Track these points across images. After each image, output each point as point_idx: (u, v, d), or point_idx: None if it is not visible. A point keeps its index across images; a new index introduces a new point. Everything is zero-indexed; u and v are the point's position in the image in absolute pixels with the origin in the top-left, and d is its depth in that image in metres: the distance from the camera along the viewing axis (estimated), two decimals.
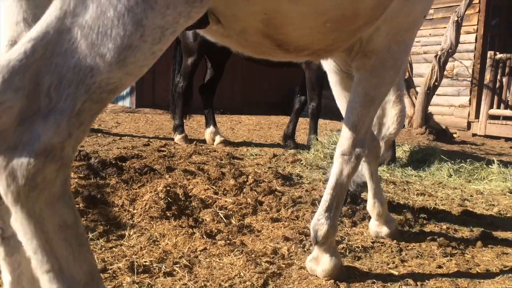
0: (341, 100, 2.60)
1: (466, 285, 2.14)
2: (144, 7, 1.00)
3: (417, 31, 2.22)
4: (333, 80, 2.59)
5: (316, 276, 2.13)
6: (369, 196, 2.76)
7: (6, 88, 0.91)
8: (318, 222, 2.13)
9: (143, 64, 1.06)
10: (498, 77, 10.09)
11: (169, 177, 3.57)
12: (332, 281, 2.06)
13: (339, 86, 2.56)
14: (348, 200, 3.16)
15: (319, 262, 2.12)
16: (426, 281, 2.15)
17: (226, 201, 3.16)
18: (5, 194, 0.96)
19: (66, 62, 0.97)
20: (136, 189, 3.25)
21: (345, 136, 2.12)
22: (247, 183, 3.56)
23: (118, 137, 6.26)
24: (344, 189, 2.16)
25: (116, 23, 0.98)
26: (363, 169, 2.75)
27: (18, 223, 1.00)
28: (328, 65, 2.55)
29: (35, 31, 0.96)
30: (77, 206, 2.83)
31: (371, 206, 2.75)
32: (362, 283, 2.10)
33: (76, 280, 1.05)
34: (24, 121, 0.94)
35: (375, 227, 2.77)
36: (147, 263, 2.17)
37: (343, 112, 2.38)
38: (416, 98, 9.29)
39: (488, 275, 2.29)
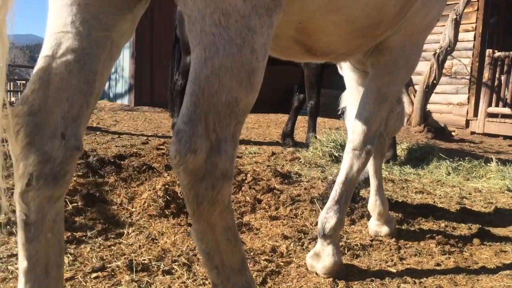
0: (354, 97, 2.61)
1: (465, 283, 2.15)
2: (252, 35, 1.19)
3: (429, 33, 2.29)
4: (349, 78, 2.63)
5: (316, 273, 2.13)
6: (371, 193, 2.76)
7: (197, 139, 1.18)
8: (327, 215, 2.15)
9: (260, 80, 1.27)
10: (497, 75, 10.10)
11: (168, 175, 3.56)
12: (330, 279, 2.07)
13: (355, 83, 2.59)
14: None
15: (320, 259, 2.12)
16: (425, 279, 2.16)
17: None
18: (193, 213, 1.25)
19: (219, 100, 1.19)
20: (134, 187, 3.25)
21: (356, 132, 2.15)
22: (246, 181, 3.56)
23: (117, 135, 6.25)
24: (353, 184, 2.18)
25: (233, 53, 1.18)
26: (368, 165, 2.72)
27: (198, 232, 1.28)
28: (344, 63, 2.60)
29: (190, 86, 1.22)
30: (75, 204, 2.83)
31: (373, 205, 2.74)
32: (360, 281, 2.11)
33: (233, 269, 1.32)
34: (207, 159, 1.20)
35: (375, 227, 2.76)
36: (145, 261, 2.16)
37: (354, 109, 2.39)
38: (414, 96, 9.29)
39: (486, 273, 2.29)
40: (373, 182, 2.76)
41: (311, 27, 1.68)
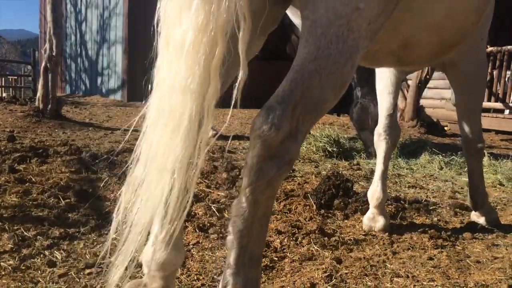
0: (387, 90, 2.91)
1: (457, 277, 2.16)
2: (356, 54, 1.36)
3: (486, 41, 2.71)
4: (385, 76, 2.89)
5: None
6: (374, 179, 2.83)
7: (284, 120, 1.29)
8: (377, 189, 2.79)
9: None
10: (489, 70, 10.15)
11: None
12: (325, 274, 2.07)
13: (389, 80, 2.89)
14: (340, 193, 3.17)
15: (376, 221, 2.75)
16: (418, 272, 2.17)
17: (218, 194, 3.16)
18: (247, 185, 1.30)
19: (310, 95, 1.32)
20: None
21: (465, 140, 2.88)
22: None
23: (110, 131, 6.22)
24: (480, 173, 2.98)
25: (340, 62, 1.34)
26: (379, 149, 2.87)
27: (241, 207, 1.32)
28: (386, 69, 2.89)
29: (293, 73, 1.33)
30: (68, 200, 2.82)
31: (373, 190, 2.80)
32: (354, 275, 2.12)
33: (252, 258, 1.34)
34: (283, 142, 1.30)
35: (369, 221, 2.77)
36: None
37: (381, 106, 2.88)
38: (407, 91, 9.32)
39: (479, 266, 2.31)
40: (378, 168, 2.83)
41: (411, 42, 1.97)
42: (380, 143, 2.82)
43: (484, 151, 3.54)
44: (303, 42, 1.37)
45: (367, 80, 5.44)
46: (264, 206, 1.33)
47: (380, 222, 2.74)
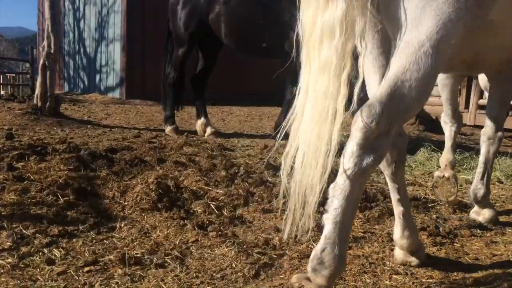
0: (448, 94, 3.48)
1: (456, 274, 2.17)
2: (438, 66, 1.63)
3: None
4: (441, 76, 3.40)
5: (480, 222, 2.85)
6: (477, 174, 2.93)
7: (382, 116, 1.58)
8: (477, 187, 2.90)
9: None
10: None
11: (160, 168, 3.56)
12: None
13: (453, 87, 3.46)
14: None
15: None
16: (416, 269, 2.17)
17: (217, 192, 3.16)
18: (346, 170, 1.64)
19: (400, 100, 1.60)
20: (126, 181, 3.24)
21: (488, 126, 2.85)
22: (239, 174, 3.56)
23: (108, 129, 6.22)
24: (491, 163, 2.91)
25: (426, 75, 1.60)
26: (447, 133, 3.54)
27: (339, 187, 1.68)
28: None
29: (387, 80, 1.62)
30: (67, 198, 2.82)
31: (474, 187, 2.93)
32: (353, 272, 2.12)
33: (342, 234, 1.67)
34: (378, 136, 1.59)
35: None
36: (138, 255, 2.16)
37: (445, 101, 3.49)
38: None
39: (478, 263, 2.31)
40: (481, 166, 2.97)
41: (485, 53, 2.20)
42: (449, 130, 3.52)
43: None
44: (396, 55, 1.66)
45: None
46: (357, 189, 1.66)
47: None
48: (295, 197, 1.85)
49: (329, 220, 1.68)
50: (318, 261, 1.69)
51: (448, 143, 3.59)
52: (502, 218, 3.07)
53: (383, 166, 2.11)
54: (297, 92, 1.80)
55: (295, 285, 1.79)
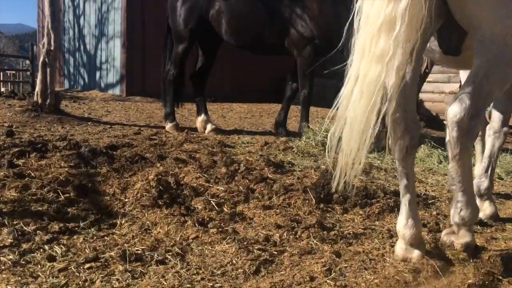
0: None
1: (456, 269, 2.17)
2: None
3: None
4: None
5: (480, 218, 2.73)
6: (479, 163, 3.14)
7: (471, 106, 1.90)
8: (480, 180, 2.94)
9: None
10: None
11: (161, 165, 3.56)
12: (324, 268, 2.08)
13: None
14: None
15: (481, 210, 2.83)
16: (417, 266, 2.17)
17: (218, 189, 3.16)
18: (454, 156, 1.99)
19: (484, 89, 1.91)
20: (127, 177, 3.24)
21: (495, 120, 2.96)
22: (239, 171, 3.56)
23: (109, 126, 6.21)
24: (496, 157, 3.01)
25: (506, 68, 1.93)
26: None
27: (453, 168, 2.03)
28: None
29: (471, 75, 1.95)
30: (67, 195, 2.82)
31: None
32: (353, 269, 2.12)
33: (468, 198, 2.10)
34: (470, 117, 1.90)
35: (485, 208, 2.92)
36: (139, 252, 2.17)
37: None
38: None
39: (478, 260, 2.31)
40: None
41: None
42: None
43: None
44: (478, 52, 1.92)
45: None
46: (467, 163, 2.01)
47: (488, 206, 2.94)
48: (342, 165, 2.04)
49: (455, 190, 2.07)
50: (460, 220, 2.12)
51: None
52: (502, 215, 3.07)
53: (395, 150, 2.15)
54: (346, 78, 1.92)
55: (445, 243, 2.26)
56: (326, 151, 2.08)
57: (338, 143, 2.01)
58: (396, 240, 2.53)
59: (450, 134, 1.96)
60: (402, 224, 2.20)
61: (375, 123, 1.89)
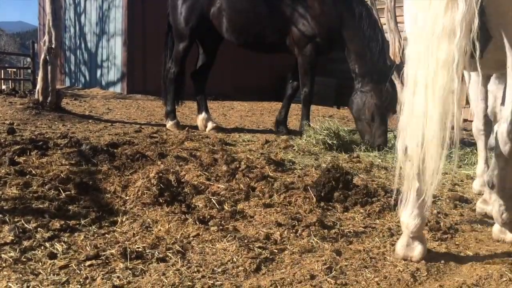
0: (476, 93, 3.51)
1: (456, 269, 2.17)
2: None
3: None
4: (473, 80, 3.51)
5: (504, 241, 2.54)
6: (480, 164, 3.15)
7: None
8: (492, 174, 2.73)
9: None
10: None
11: (161, 163, 3.56)
12: (325, 266, 2.08)
13: (477, 84, 3.47)
14: (340, 186, 3.18)
15: (489, 204, 2.72)
16: (417, 265, 2.18)
17: (218, 187, 3.16)
18: (505, 165, 2.20)
19: None
20: (128, 175, 3.24)
21: (504, 119, 2.87)
22: (240, 169, 3.56)
23: (110, 124, 6.22)
24: None
25: None
26: (479, 141, 3.50)
27: (504, 172, 2.23)
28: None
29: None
30: (68, 192, 2.82)
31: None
32: (354, 267, 2.12)
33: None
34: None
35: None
36: (140, 249, 2.17)
37: (478, 102, 3.47)
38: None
39: (479, 258, 2.32)
40: (481, 156, 3.15)
41: None
42: (480, 137, 3.47)
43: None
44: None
45: (369, 71, 5.43)
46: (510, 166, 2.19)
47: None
48: (411, 175, 2.13)
49: (498, 190, 2.25)
50: (502, 222, 2.34)
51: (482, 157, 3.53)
52: None
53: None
54: (409, 84, 2.02)
55: (499, 237, 2.51)
56: (399, 163, 2.19)
57: (406, 152, 2.11)
58: (397, 238, 2.53)
59: (503, 148, 2.15)
60: (408, 214, 2.20)
61: (451, 129, 1.98)
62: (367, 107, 5.37)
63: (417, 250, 2.20)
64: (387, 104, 5.42)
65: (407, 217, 2.20)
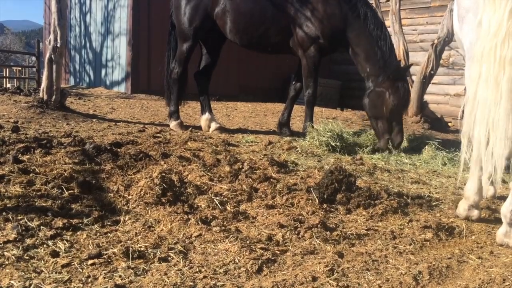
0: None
1: (460, 271, 2.16)
2: None
3: None
4: None
5: (508, 246, 2.51)
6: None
7: None
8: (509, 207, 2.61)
9: None
10: None
11: (165, 163, 3.56)
12: (327, 268, 2.08)
13: None
14: (343, 188, 3.17)
15: (511, 237, 2.55)
16: (420, 267, 2.17)
17: (221, 187, 3.16)
18: None
19: None
20: (131, 175, 3.25)
21: None
22: (243, 170, 3.56)
23: (113, 123, 6.23)
24: None
25: None
26: None
27: None
28: None
29: None
30: (71, 191, 2.83)
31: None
32: (356, 269, 2.12)
33: None
34: None
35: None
36: (142, 249, 2.17)
37: None
38: (412, 87, 9.28)
39: (483, 261, 2.31)
40: None
41: None
42: None
43: None
44: None
45: (383, 69, 5.40)
46: None
47: None
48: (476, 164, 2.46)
49: None
50: (511, 219, 2.41)
51: None
52: None
53: None
54: (475, 80, 2.27)
55: (503, 241, 2.53)
56: (463, 150, 2.47)
57: (469, 144, 2.37)
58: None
59: None
60: (473, 190, 2.87)
61: None
62: (384, 105, 5.35)
63: (475, 211, 2.91)
64: (404, 102, 5.42)
65: (472, 193, 2.85)
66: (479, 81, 2.27)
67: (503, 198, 3.65)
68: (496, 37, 2.19)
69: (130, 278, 1.90)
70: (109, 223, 2.51)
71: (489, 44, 2.21)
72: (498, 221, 2.87)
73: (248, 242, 2.34)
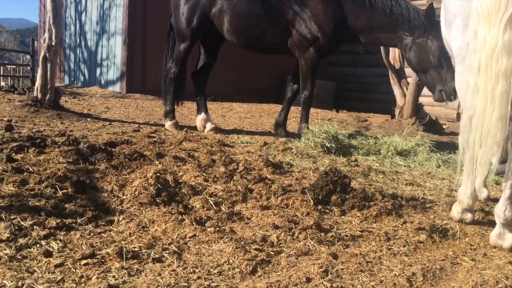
0: None
1: (453, 273, 2.17)
2: None
3: None
4: None
5: (502, 248, 2.54)
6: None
7: None
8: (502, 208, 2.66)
9: None
10: None
11: (159, 163, 3.55)
12: (321, 269, 2.08)
13: None
14: (337, 189, 3.18)
15: (504, 238, 2.58)
16: (414, 268, 2.18)
17: (216, 188, 3.16)
18: None
19: None
20: (125, 175, 3.23)
21: None
22: (238, 170, 3.56)
23: (108, 123, 6.21)
24: None
25: None
26: None
27: None
28: None
29: None
30: (65, 191, 2.81)
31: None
32: (350, 271, 2.12)
33: None
34: None
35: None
36: (136, 249, 2.16)
37: None
38: (407, 89, 9.31)
39: (477, 262, 2.32)
40: None
41: None
42: None
43: None
44: None
45: (413, 23, 5.32)
46: None
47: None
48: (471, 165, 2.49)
49: (508, 187, 2.44)
50: (504, 219, 2.47)
51: None
52: None
53: None
54: (470, 90, 2.34)
55: (496, 243, 2.55)
56: (459, 155, 2.59)
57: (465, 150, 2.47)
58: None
59: None
60: (467, 194, 2.91)
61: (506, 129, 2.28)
62: (431, 52, 5.27)
63: (469, 214, 2.96)
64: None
65: (465, 195, 2.91)
66: (475, 92, 2.33)
67: (496, 200, 3.67)
68: (492, 52, 2.24)
69: (123, 278, 1.90)
70: (103, 223, 2.50)
71: (485, 60, 2.26)
72: (492, 223, 2.88)
73: (242, 243, 2.33)
